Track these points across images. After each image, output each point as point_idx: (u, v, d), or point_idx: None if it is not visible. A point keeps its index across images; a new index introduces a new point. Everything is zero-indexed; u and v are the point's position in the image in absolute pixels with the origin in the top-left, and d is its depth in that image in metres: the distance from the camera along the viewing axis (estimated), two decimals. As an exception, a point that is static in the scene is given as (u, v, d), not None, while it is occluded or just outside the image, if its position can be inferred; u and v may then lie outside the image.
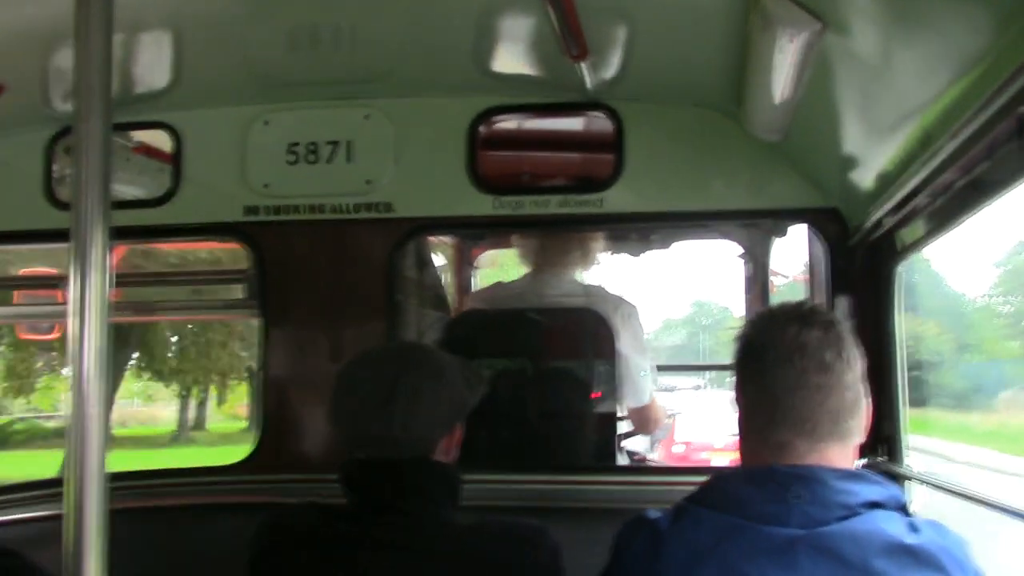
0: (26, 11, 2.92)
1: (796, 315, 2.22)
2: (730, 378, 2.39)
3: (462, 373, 2.72)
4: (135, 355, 32.98)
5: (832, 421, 2.14)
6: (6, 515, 3.70)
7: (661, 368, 4.96)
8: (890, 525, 2.01)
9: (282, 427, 3.85)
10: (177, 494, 3.87)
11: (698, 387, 38.86)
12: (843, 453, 2.17)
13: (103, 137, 1.77)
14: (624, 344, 4.24)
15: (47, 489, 3.78)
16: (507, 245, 5.52)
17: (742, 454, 2.29)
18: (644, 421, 4.60)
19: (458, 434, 2.70)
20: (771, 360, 2.17)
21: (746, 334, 2.30)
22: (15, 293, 4.70)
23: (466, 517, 2.57)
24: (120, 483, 3.86)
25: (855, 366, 2.19)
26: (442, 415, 2.61)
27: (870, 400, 2.23)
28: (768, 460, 2.15)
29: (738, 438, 2.29)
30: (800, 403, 2.13)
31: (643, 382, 4.36)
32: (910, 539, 1.99)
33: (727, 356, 2.44)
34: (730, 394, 2.36)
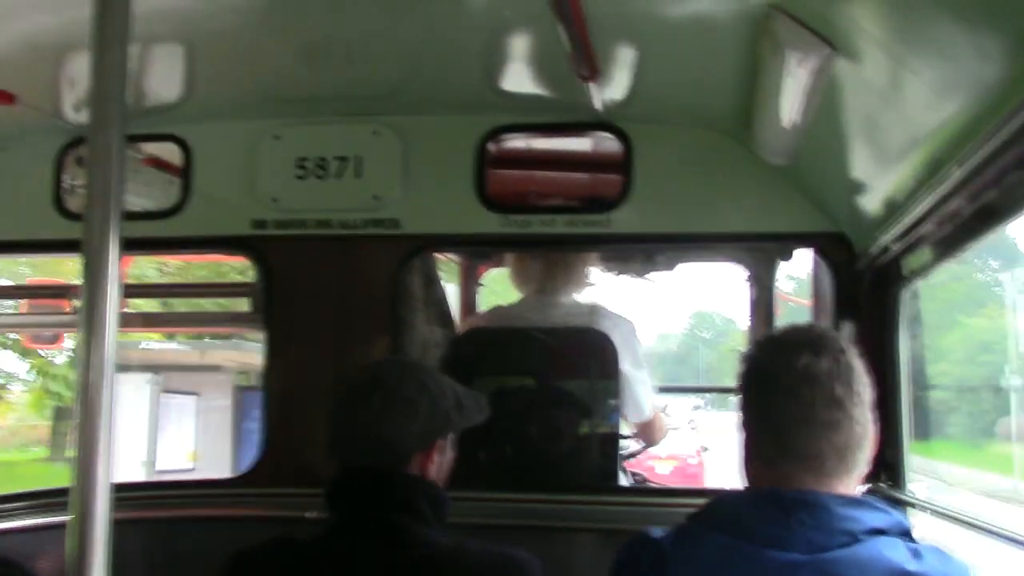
0: (39, 21, 2.94)
1: (806, 342, 2.18)
2: (733, 398, 2.37)
3: (455, 394, 2.73)
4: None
5: (839, 457, 2.12)
6: (13, 523, 3.69)
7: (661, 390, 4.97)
8: (893, 552, 2.01)
9: (285, 440, 3.85)
10: (181, 505, 3.87)
11: (697, 407, 38.30)
12: (848, 484, 2.16)
13: (117, 148, 1.78)
14: (625, 362, 4.24)
15: (53, 498, 3.78)
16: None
17: (747, 478, 2.28)
18: (648, 435, 4.71)
19: (437, 452, 2.68)
20: (778, 390, 2.14)
21: (753, 357, 2.28)
22: (24, 303, 4.73)
23: (452, 538, 2.56)
24: (125, 493, 3.88)
25: (864, 397, 2.16)
26: (416, 428, 2.61)
27: (877, 427, 2.21)
28: (774, 486, 2.14)
29: (743, 461, 2.28)
30: (806, 438, 2.11)
31: (644, 397, 4.39)
32: (912, 566, 1.98)
33: (730, 374, 2.42)
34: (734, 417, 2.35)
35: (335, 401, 2.70)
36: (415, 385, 2.64)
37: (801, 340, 2.19)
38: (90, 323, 1.70)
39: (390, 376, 2.65)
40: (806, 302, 4.54)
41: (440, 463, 2.68)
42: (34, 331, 5.52)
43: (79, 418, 1.69)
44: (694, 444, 24.92)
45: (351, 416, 2.61)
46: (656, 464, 19.27)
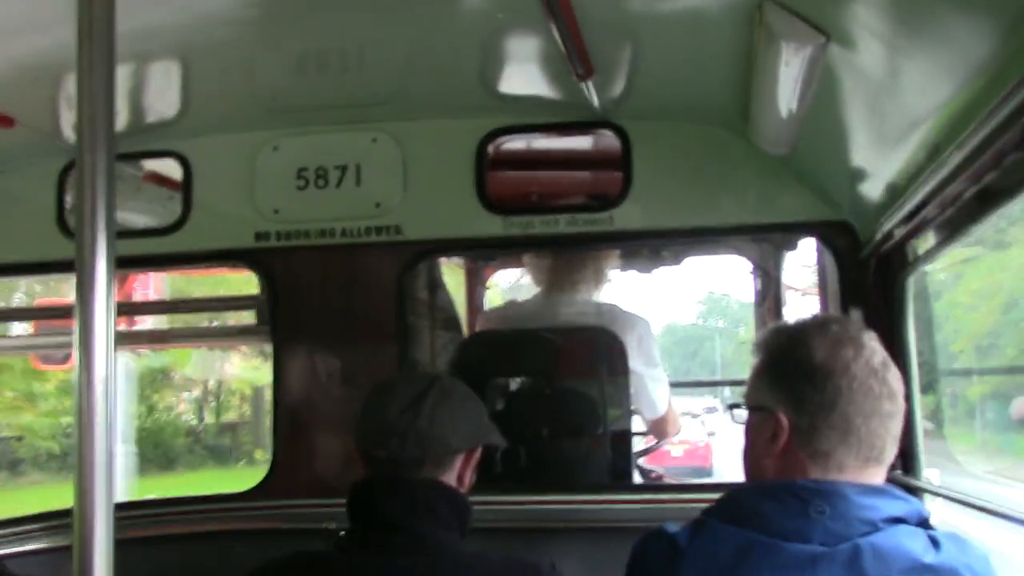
0: (33, 45, 2.94)
1: (858, 334, 2.19)
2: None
3: (483, 411, 2.79)
4: None
5: (894, 445, 2.16)
6: (18, 547, 3.70)
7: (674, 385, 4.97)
8: (912, 542, 1.99)
9: (295, 453, 3.85)
10: (188, 522, 3.87)
11: (712, 409, 37.93)
12: (884, 473, 2.18)
13: (106, 168, 1.78)
14: (638, 361, 4.24)
15: (57, 520, 3.78)
16: (519, 265, 5.54)
17: (766, 469, 2.21)
18: (662, 430, 4.73)
19: (474, 458, 2.69)
20: (847, 383, 2.12)
21: (802, 345, 2.20)
22: (34, 324, 4.74)
23: (472, 544, 2.56)
24: (129, 512, 3.88)
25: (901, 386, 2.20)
26: (466, 430, 2.64)
27: None
28: (793, 477, 2.12)
29: (764, 453, 2.21)
30: (874, 430, 2.12)
31: (658, 395, 4.42)
32: (930, 557, 1.97)
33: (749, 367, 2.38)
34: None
35: (377, 396, 2.65)
36: (465, 390, 2.72)
37: (852, 333, 2.20)
38: (85, 342, 1.70)
39: (444, 379, 2.73)
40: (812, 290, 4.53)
41: (473, 471, 2.70)
42: (43, 352, 5.53)
43: (78, 437, 1.68)
44: (703, 431, 30.22)
45: (402, 410, 2.57)
46: (669, 448, 20.29)
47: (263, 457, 30.35)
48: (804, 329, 2.27)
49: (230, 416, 35.39)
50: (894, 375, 2.17)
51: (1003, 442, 20.70)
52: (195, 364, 30.31)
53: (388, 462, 2.57)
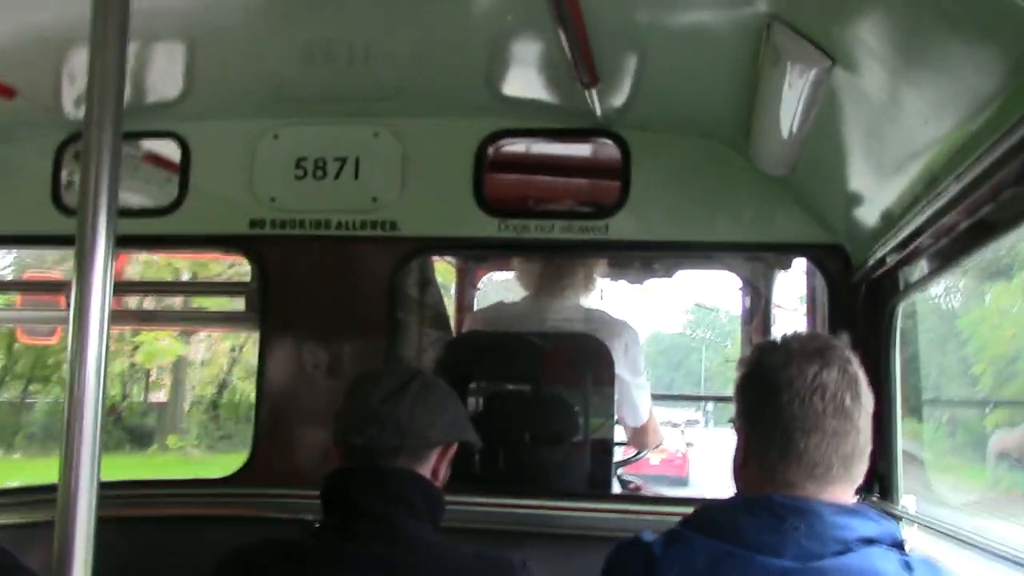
0: (41, 17, 2.94)
1: (814, 351, 2.18)
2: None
3: (462, 409, 2.82)
4: None
5: (844, 466, 2.13)
6: (3, 519, 3.68)
7: (656, 397, 5.00)
8: (884, 563, 2.01)
9: (276, 441, 3.84)
10: (168, 504, 3.86)
11: (693, 421, 38.34)
12: (848, 493, 2.17)
13: (112, 145, 1.77)
14: (623, 368, 4.25)
15: (36, 495, 3.77)
16: (510, 268, 5.53)
17: (739, 483, 2.27)
18: (643, 439, 4.74)
19: (449, 454, 2.71)
20: (788, 398, 2.13)
21: (758, 363, 2.26)
22: (19, 296, 4.72)
23: (444, 540, 2.56)
24: (112, 491, 3.87)
25: (868, 408, 2.17)
26: (445, 423, 2.66)
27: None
28: (768, 493, 2.14)
29: (736, 466, 2.27)
30: (815, 447, 2.11)
31: (641, 403, 4.44)
32: None
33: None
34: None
35: (360, 386, 2.67)
36: (446, 387, 2.75)
37: (808, 349, 2.20)
38: (80, 319, 1.69)
39: (426, 374, 2.77)
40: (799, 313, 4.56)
41: (447, 466, 2.71)
42: (28, 325, 5.50)
43: (67, 413, 1.68)
44: (681, 440, 32.09)
45: (383, 399, 2.59)
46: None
47: (175, 444, 29.52)
48: (765, 347, 2.31)
49: (160, 396, 33.46)
50: (854, 395, 2.14)
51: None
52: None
53: (365, 450, 2.58)
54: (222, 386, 31.62)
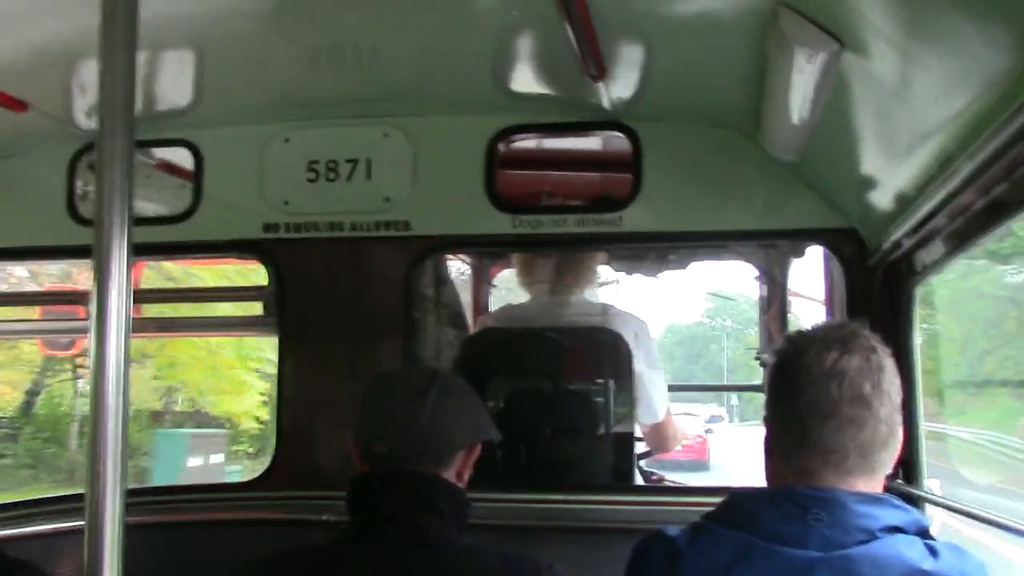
0: (50, 29, 2.96)
1: (837, 338, 2.16)
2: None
3: (482, 407, 2.81)
4: None
5: (861, 455, 2.10)
6: (30, 528, 3.72)
7: (674, 388, 4.96)
8: (909, 550, 2.00)
9: (297, 444, 3.86)
10: (193, 510, 3.89)
11: (716, 418, 38.37)
12: (871, 484, 2.14)
13: (125, 154, 1.78)
14: (638, 362, 4.23)
15: (62, 504, 3.80)
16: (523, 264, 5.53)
17: (767, 475, 2.27)
18: (660, 439, 4.61)
19: (473, 454, 2.70)
20: (805, 384, 2.12)
21: (783, 352, 2.25)
22: (38, 308, 4.75)
23: (471, 540, 2.56)
24: (138, 498, 3.90)
25: (894, 398, 2.14)
26: (467, 426, 2.65)
27: (902, 428, 2.19)
28: (791, 484, 2.14)
29: (765, 458, 2.27)
30: (829, 434, 2.10)
31: (657, 399, 4.36)
32: (929, 564, 1.97)
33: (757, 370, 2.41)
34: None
35: (378, 388, 2.67)
36: (465, 386, 2.73)
37: (831, 336, 2.18)
38: (101, 328, 1.71)
39: (445, 374, 2.76)
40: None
41: (471, 466, 2.71)
42: (49, 337, 5.54)
43: (92, 423, 1.69)
44: (699, 426, 32.01)
45: (403, 404, 2.58)
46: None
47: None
48: (793, 336, 2.31)
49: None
50: (875, 384, 2.11)
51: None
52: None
53: (388, 457, 2.57)
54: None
